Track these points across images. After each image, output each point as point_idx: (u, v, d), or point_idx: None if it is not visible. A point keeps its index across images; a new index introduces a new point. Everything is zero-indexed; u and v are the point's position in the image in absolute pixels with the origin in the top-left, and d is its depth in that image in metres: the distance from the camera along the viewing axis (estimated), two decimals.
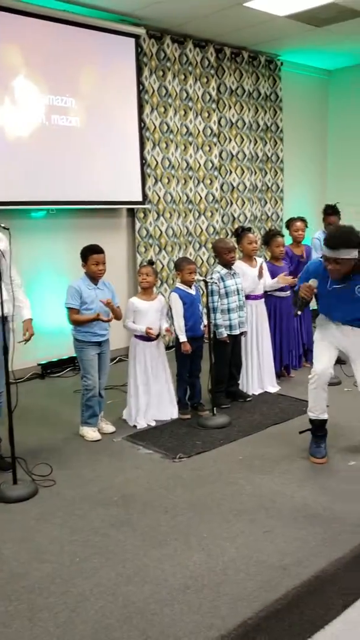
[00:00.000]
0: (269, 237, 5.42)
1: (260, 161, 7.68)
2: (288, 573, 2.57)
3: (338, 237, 3.35)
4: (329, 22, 6.33)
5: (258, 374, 5.14)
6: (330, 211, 5.83)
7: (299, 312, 3.67)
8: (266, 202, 7.84)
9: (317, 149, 8.68)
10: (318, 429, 3.81)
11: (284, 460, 3.75)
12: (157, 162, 6.57)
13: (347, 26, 6.46)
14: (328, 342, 3.74)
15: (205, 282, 4.52)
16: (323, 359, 3.71)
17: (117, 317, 4.24)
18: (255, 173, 7.64)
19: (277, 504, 3.19)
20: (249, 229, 5.14)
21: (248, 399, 4.94)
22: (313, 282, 3.56)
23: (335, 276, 3.46)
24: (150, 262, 4.74)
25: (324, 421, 3.79)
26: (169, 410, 4.55)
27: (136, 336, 4.44)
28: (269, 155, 7.79)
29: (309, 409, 3.80)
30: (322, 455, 3.73)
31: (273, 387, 5.21)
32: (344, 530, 2.90)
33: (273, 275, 5.15)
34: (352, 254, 3.33)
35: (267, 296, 5.18)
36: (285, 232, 6.01)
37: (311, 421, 3.81)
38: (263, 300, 5.13)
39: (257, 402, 4.91)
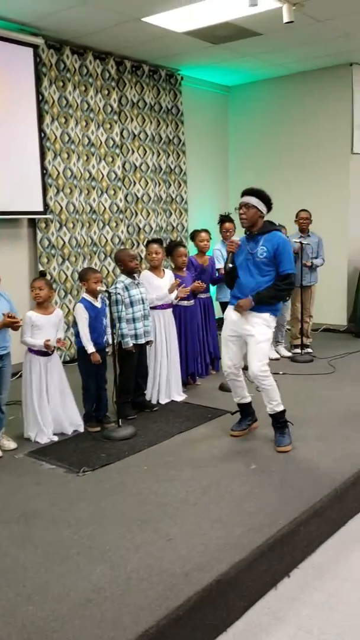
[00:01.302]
0: (172, 248, 5.50)
1: (164, 173, 7.78)
2: (190, 579, 2.58)
3: (252, 188, 4.08)
4: (226, 40, 6.53)
5: (165, 383, 5.17)
6: (225, 219, 6.07)
7: (230, 265, 4.13)
8: (171, 214, 7.94)
9: (219, 162, 8.91)
10: (242, 408, 4.39)
11: (188, 468, 3.78)
12: (58, 173, 6.49)
13: (243, 44, 6.70)
14: (230, 334, 4.17)
15: (109, 293, 4.50)
16: (225, 357, 4.25)
17: (16, 327, 4.10)
18: (159, 184, 7.72)
19: (181, 511, 3.21)
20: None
21: (154, 409, 4.96)
22: (237, 239, 4.16)
23: (243, 223, 4.05)
24: (42, 274, 4.60)
25: (246, 404, 4.37)
26: (74, 424, 4.48)
27: (31, 350, 4.34)
28: (172, 167, 7.90)
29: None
30: (239, 430, 4.35)
31: (179, 396, 5.26)
32: (245, 533, 2.95)
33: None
34: (260, 205, 4.00)
35: (173, 305, 5.24)
36: (190, 243, 6.12)
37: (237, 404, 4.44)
38: (170, 309, 5.19)
39: (163, 411, 4.94)
